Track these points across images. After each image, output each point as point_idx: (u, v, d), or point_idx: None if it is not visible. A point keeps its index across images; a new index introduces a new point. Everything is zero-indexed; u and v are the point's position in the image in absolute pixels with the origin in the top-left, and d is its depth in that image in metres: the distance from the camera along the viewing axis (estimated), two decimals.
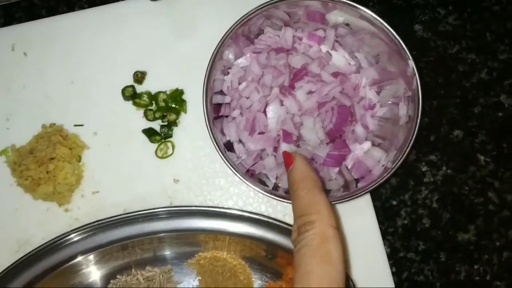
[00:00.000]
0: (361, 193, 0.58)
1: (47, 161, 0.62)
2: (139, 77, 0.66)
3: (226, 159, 0.57)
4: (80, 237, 0.61)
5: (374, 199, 0.65)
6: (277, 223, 0.60)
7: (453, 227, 0.67)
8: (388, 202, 0.67)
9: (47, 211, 0.64)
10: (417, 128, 0.56)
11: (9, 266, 0.61)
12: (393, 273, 0.64)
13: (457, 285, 0.66)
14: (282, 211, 0.65)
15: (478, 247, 0.66)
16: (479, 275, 0.66)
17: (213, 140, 0.58)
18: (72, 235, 0.61)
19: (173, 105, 0.66)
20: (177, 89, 0.66)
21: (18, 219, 0.64)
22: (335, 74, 0.63)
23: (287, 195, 0.59)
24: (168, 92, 0.66)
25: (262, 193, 0.57)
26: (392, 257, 0.66)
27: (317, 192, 0.40)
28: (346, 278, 0.57)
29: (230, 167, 0.57)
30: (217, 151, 0.57)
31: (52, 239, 0.61)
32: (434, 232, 0.67)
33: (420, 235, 0.66)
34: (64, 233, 0.61)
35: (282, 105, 0.62)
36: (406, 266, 0.66)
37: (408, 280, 0.66)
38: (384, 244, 0.64)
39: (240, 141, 0.64)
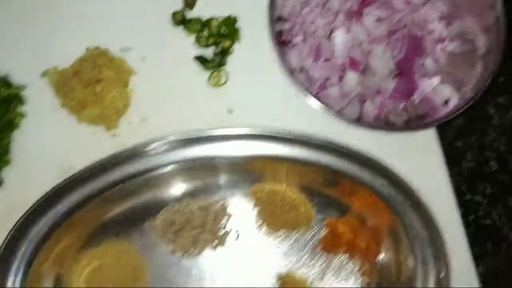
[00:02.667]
0: (428, 127, 0.57)
1: (94, 82, 0.57)
2: (190, 0, 0.62)
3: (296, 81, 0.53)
4: (128, 160, 0.57)
5: (439, 140, 0.61)
6: (339, 147, 0.57)
7: None
8: (454, 143, 0.63)
9: (93, 134, 0.59)
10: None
11: (50, 191, 0.57)
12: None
13: None
14: (344, 138, 0.59)
15: None
16: None
17: (282, 63, 0.54)
18: (119, 158, 0.57)
19: (226, 33, 0.61)
20: (229, 17, 0.62)
21: (62, 143, 0.59)
22: (406, 2, 0.59)
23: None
24: (220, 20, 0.62)
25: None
26: (458, 199, 0.61)
27: None
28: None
29: (301, 87, 0.53)
30: (287, 73, 0.54)
31: (96, 162, 0.57)
32: (501, 176, 0.63)
33: (487, 178, 0.63)
34: (110, 155, 0.57)
35: (348, 32, 0.58)
36: (473, 209, 0.62)
37: (475, 223, 0.62)
38: None
39: (301, 70, 0.59)
